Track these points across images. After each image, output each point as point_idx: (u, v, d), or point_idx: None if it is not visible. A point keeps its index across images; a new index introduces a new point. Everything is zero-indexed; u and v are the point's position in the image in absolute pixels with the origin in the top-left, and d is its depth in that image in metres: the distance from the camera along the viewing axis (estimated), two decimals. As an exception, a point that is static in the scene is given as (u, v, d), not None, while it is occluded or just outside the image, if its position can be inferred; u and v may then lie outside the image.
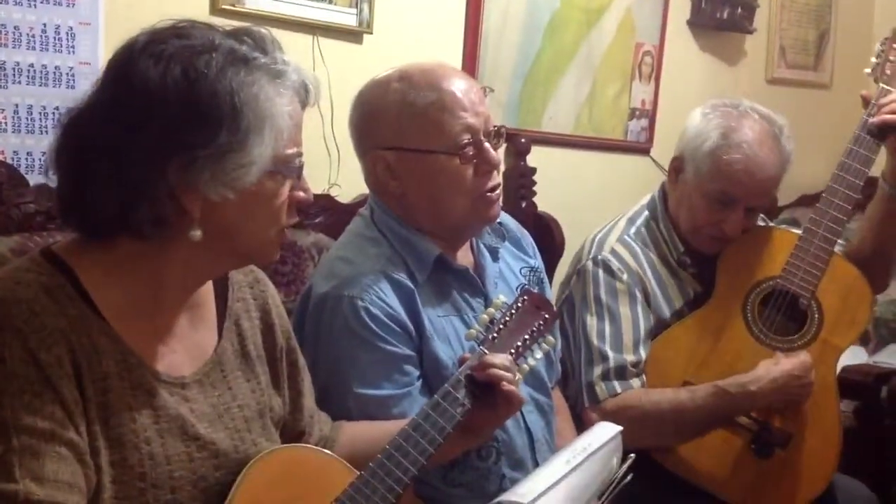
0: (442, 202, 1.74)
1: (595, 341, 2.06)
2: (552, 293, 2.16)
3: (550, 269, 2.40)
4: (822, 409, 2.08)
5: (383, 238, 1.76)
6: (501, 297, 1.59)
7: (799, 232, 2.15)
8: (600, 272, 2.11)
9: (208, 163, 1.19)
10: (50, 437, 1.14)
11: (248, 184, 1.23)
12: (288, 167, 1.28)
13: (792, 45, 3.71)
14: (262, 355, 1.43)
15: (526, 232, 2.03)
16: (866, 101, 2.13)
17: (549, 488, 1.35)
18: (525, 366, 1.56)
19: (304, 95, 1.30)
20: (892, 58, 2.16)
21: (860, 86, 2.31)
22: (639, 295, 2.11)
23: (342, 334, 1.66)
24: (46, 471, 1.13)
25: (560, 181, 2.89)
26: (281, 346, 1.46)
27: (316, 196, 2.18)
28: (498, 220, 1.86)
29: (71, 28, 1.95)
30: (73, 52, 1.95)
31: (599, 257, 2.13)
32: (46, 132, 1.91)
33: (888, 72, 2.16)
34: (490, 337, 1.53)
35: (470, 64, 2.68)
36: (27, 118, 1.91)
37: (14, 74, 1.89)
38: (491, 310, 1.56)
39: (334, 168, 2.34)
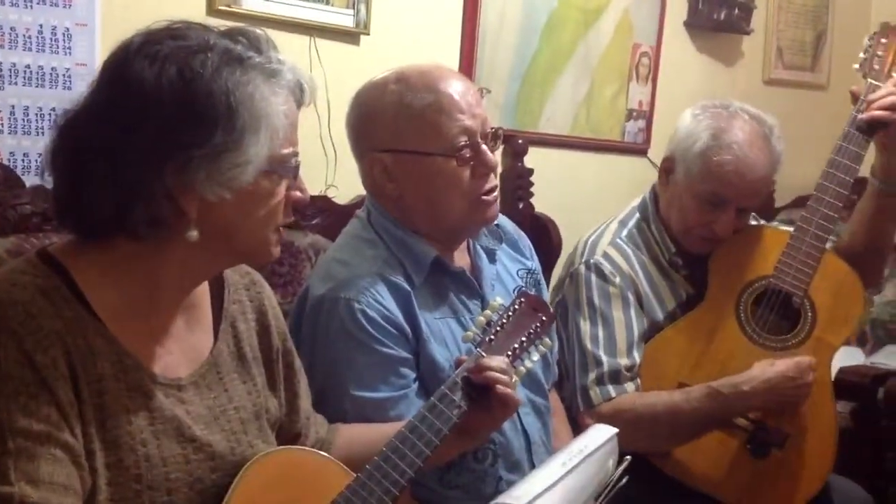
0: (439, 204, 1.73)
1: (589, 346, 2.06)
2: (549, 295, 2.16)
3: (547, 270, 2.40)
4: (818, 407, 2.08)
5: (380, 240, 1.76)
6: (498, 300, 1.59)
7: (790, 230, 2.15)
8: (592, 276, 2.11)
9: (204, 163, 1.19)
10: (45, 439, 1.14)
11: (244, 183, 1.23)
12: (284, 167, 1.28)
13: (789, 46, 3.71)
14: (258, 357, 1.43)
15: (523, 234, 2.03)
16: (855, 98, 2.14)
17: (545, 491, 1.35)
18: (522, 368, 1.56)
19: (300, 95, 1.30)
20: (880, 53, 2.16)
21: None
22: (631, 298, 2.11)
23: (339, 336, 1.66)
24: (41, 473, 1.12)
25: (557, 182, 2.89)
26: (277, 347, 1.46)
27: (313, 197, 2.19)
28: (495, 222, 1.86)
29: (67, 29, 1.94)
30: (70, 53, 1.95)
31: (591, 261, 2.13)
32: (43, 133, 1.91)
33: (876, 67, 2.16)
34: (487, 339, 1.53)
35: (467, 65, 2.68)
36: (23, 119, 1.91)
37: (10, 75, 1.89)
38: (488, 312, 1.56)
39: (331, 169, 2.34)
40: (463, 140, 1.70)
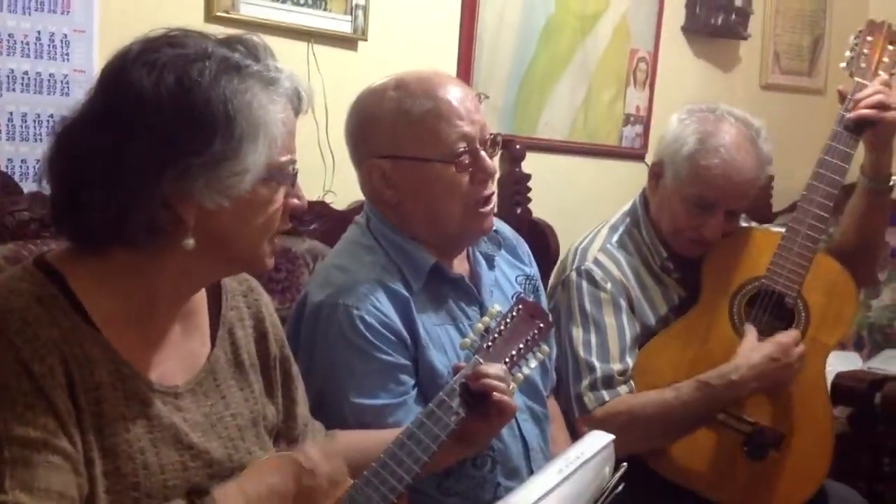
0: (437, 210, 1.74)
1: (581, 353, 2.06)
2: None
3: (545, 276, 2.40)
4: (814, 407, 2.09)
5: (379, 246, 1.76)
6: (496, 306, 1.59)
7: (781, 231, 2.16)
8: (584, 283, 2.11)
9: (202, 171, 1.19)
10: (42, 446, 1.14)
11: (242, 191, 1.23)
12: (282, 174, 1.28)
13: (786, 50, 3.72)
14: (255, 364, 1.43)
15: (522, 240, 2.03)
16: (842, 97, 2.14)
17: (542, 498, 1.35)
18: (519, 375, 1.56)
19: (298, 102, 1.30)
20: (866, 51, 2.17)
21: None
22: (623, 304, 2.11)
23: (337, 343, 1.66)
24: (37, 481, 1.12)
25: (555, 187, 2.89)
26: (274, 354, 1.46)
27: (311, 203, 2.18)
28: (494, 228, 1.86)
29: (65, 36, 1.95)
30: (68, 59, 1.95)
31: (582, 268, 2.13)
32: (41, 140, 1.91)
33: (863, 65, 2.16)
34: (485, 346, 1.54)
35: (465, 70, 2.68)
36: (21, 126, 1.91)
37: (8, 82, 1.89)
38: (486, 318, 1.56)
39: (329, 175, 2.34)
40: (462, 146, 1.70)
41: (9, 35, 1.88)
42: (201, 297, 1.38)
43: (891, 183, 2.17)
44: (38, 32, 1.91)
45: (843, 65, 2.20)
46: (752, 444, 2.04)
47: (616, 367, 2.05)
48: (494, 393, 1.47)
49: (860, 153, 2.16)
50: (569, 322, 2.09)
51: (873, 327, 3.30)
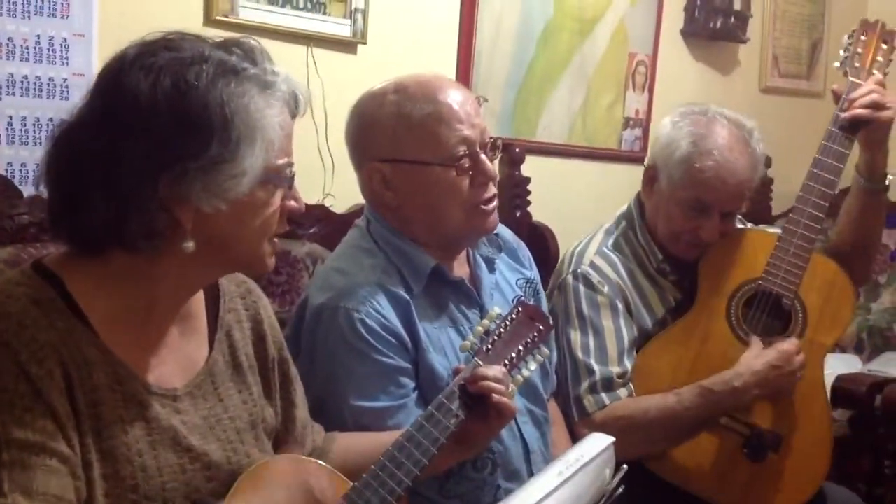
0: (438, 214, 1.74)
1: (580, 356, 2.06)
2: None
3: (545, 278, 2.41)
4: (812, 408, 2.08)
5: (379, 249, 1.76)
6: (496, 309, 1.59)
7: (777, 232, 2.16)
8: (581, 286, 2.11)
9: (200, 174, 1.19)
10: (40, 449, 1.14)
11: (239, 194, 1.23)
12: (279, 177, 1.28)
13: (785, 54, 3.72)
14: (253, 366, 1.43)
15: (522, 243, 2.03)
16: (837, 96, 2.14)
17: (541, 500, 1.35)
18: (519, 377, 1.56)
19: (295, 105, 1.30)
20: (859, 50, 2.17)
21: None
22: (620, 306, 2.11)
23: (338, 346, 1.66)
24: (36, 484, 1.12)
25: (554, 191, 2.89)
26: (273, 356, 1.46)
27: (310, 206, 2.19)
28: (494, 231, 1.86)
29: (65, 40, 1.95)
30: (67, 63, 1.95)
31: (579, 271, 2.13)
32: (40, 144, 1.92)
33: (857, 65, 2.17)
34: (484, 348, 1.54)
35: (464, 74, 2.68)
36: (21, 130, 1.92)
37: (8, 86, 1.89)
38: (485, 321, 1.56)
39: (328, 178, 2.34)
40: (462, 150, 1.70)
41: (8, 39, 1.88)
42: (199, 300, 1.38)
43: (886, 182, 2.17)
44: (38, 36, 1.91)
45: (837, 64, 2.20)
46: (751, 446, 2.04)
47: (615, 369, 2.05)
48: (494, 395, 1.47)
49: (855, 152, 2.17)
50: (566, 326, 2.09)
51: (873, 330, 3.30)
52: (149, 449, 1.24)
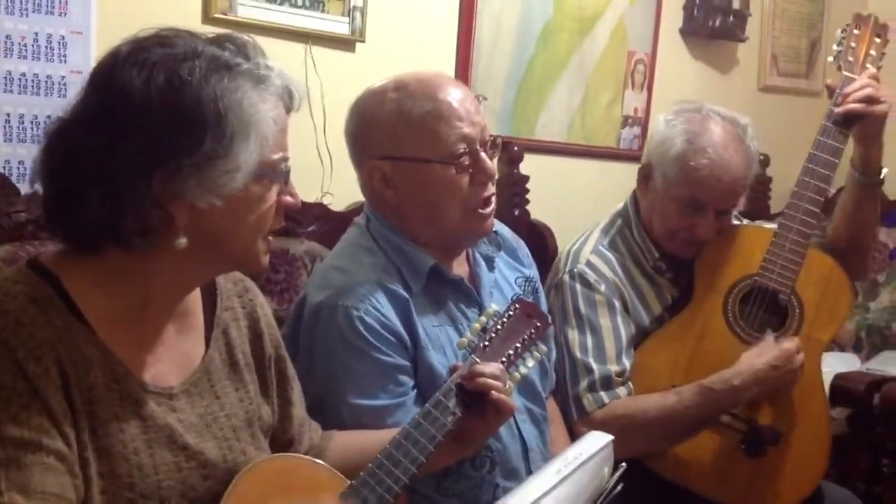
0: (437, 212, 1.73)
1: (578, 355, 2.06)
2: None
3: (544, 277, 2.40)
4: (810, 403, 2.08)
5: (378, 247, 1.76)
6: (494, 306, 1.59)
7: (773, 227, 2.16)
8: (577, 285, 2.11)
9: (194, 170, 1.19)
10: (37, 447, 1.13)
11: (234, 190, 1.22)
12: (274, 172, 1.28)
13: (784, 53, 3.72)
14: (250, 364, 1.42)
15: (522, 242, 2.03)
16: (831, 91, 2.14)
17: (540, 498, 1.35)
18: (517, 374, 1.56)
19: (289, 100, 1.30)
20: (853, 44, 2.17)
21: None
22: (617, 304, 2.11)
23: (337, 344, 1.66)
24: (33, 482, 1.12)
25: (553, 189, 2.89)
26: (269, 354, 1.46)
27: (309, 205, 2.19)
28: (493, 230, 1.86)
29: (63, 37, 1.95)
30: (65, 60, 1.95)
31: (575, 270, 2.13)
32: (38, 141, 1.90)
33: (850, 59, 2.16)
34: (481, 345, 1.54)
35: (463, 72, 2.68)
36: (19, 127, 1.91)
37: (6, 83, 1.89)
38: (483, 318, 1.56)
39: (327, 176, 2.34)
40: (462, 147, 1.70)
41: (6, 37, 1.88)
42: (196, 298, 1.37)
43: (881, 176, 2.17)
44: (36, 34, 1.91)
45: (831, 59, 2.20)
46: (750, 442, 2.04)
47: (613, 368, 2.05)
48: (492, 392, 1.47)
49: (850, 147, 2.16)
50: (564, 325, 2.09)
51: (872, 329, 3.30)
52: (145, 447, 1.23)
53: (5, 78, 1.89)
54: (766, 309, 2.11)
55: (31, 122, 1.93)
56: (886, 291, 3.34)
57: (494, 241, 1.91)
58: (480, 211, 1.75)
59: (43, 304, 1.19)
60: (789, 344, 2.03)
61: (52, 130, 1.24)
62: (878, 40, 2.18)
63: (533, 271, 1.99)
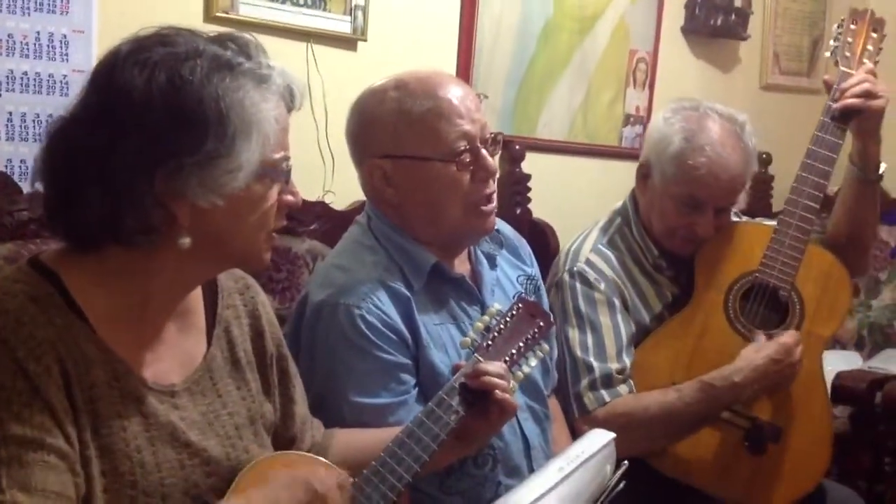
0: (439, 210, 1.74)
1: (579, 353, 2.06)
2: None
3: (546, 275, 2.41)
4: (811, 399, 2.08)
5: (380, 246, 1.76)
6: (496, 305, 1.59)
7: (773, 224, 2.16)
8: (577, 284, 2.11)
9: (195, 169, 1.19)
10: (38, 446, 1.13)
11: (236, 189, 1.22)
12: (276, 171, 1.28)
13: (786, 51, 3.72)
14: (252, 362, 1.43)
15: (524, 240, 2.03)
16: (828, 87, 2.14)
17: (542, 496, 1.35)
18: (519, 373, 1.56)
19: (290, 99, 1.30)
20: (850, 40, 2.17)
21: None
22: (617, 303, 2.11)
23: (338, 342, 1.66)
24: (34, 480, 1.12)
25: (555, 188, 2.89)
26: (271, 352, 1.46)
27: (311, 203, 2.19)
28: (496, 228, 1.86)
29: (64, 36, 1.95)
30: (67, 59, 1.95)
31: (575, 269, 2.13)
32: (40, 140, 1.91)
33: (847, 54, 2.16)
34: (484, 344, 1.54)
35: (464, 71, 2.68)
36: (21, 126, 1.92)
37: (8, 82, 1.89)
38: (485, 317, 1.56)
39: (329, 175, 2.34)
40: (462, 145, 1.70)
41: (8, 35, 1.88)
42: (197, 296, 1.37)
43: (880, 172, 2.17)
44: (38, 33, 1.91)
45: (828, 54, 2.20)
46: (752, 439, 2.04)
47: (614, 366, 2.05)
48: (495, 391, 1.47)
49: (849, 143, 2.16)
50: (564, 324, 2.09)
51: (874, 327, 3.30)
52: (147, 445, 1.23)
53: (7, 77, 1.89)
54: (766, 305, 2.11)
55: (33, 121, 1.93)
56: (888, 289, 3.34)
57: (496, 239, 1.91)
58: (482, 208, 1.75)
59: (43, 302, 1.19)
60: (788, 338, 2.03)
61: (53, 129, 1.24)
62: (874, 35, 2.18)
63: (535, 270, 1.99)
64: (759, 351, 2.01)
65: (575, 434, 1.98)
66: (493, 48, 2.76)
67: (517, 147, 2.61)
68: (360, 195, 1.87)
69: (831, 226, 2.26)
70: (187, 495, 1.26)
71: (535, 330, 1.59)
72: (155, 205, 1.19)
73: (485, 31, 2.73)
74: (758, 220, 2.42)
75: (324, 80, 2.30)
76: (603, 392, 2.04)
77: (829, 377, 2.31)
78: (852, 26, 2.18)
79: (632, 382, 2.06)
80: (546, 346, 1.62)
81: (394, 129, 1.71)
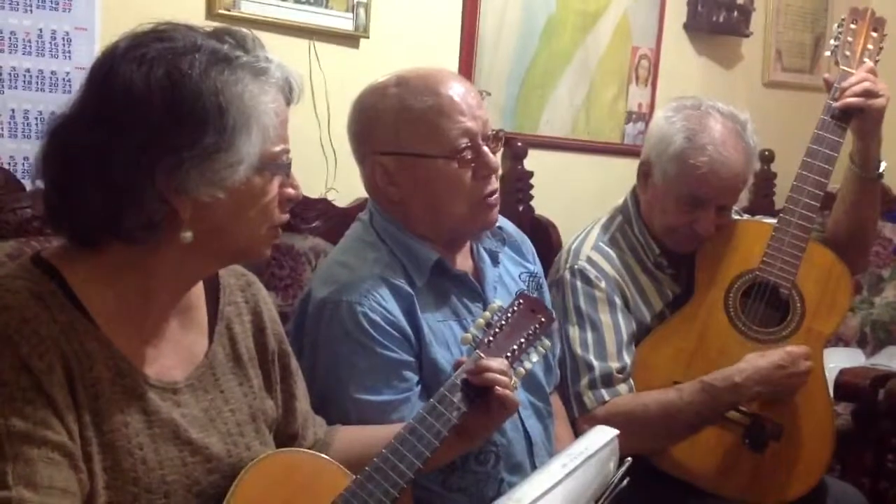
0: (441, 207, 1.74)
1: (579, 351, 2.06)
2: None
3: (548, 272, 2.40)
4: (813, 397, 2.08)
5: (382, 243, 1.76)
6: (498, 302, 1.59)
7: (773, 222, 2.15)
8: (578, 282, 2.11)
9: (196, 164, 1.19)
10: (42, 442, 1.13)
11: (236, 183, 1.22)
12: (276, 164, 1.28)
13: (788, 48, 3.72)
14: (254, 358, 1.43)
15: (526, 238, 2.03)
16: (828, 86, 2.14)
17: (546, 493, 1.35)
18: (521, 369, 1.56)
19: (289, 92, 1.30)
20: (850, 39, 2.16)
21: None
22: (618, 301, 2.11)
23: (341, 340, 1.66)
24: (40, 477, 1.12)
25: (557, 185, 2.89)
26: (273, 349, 1.46)
27: (313, 200, 2.20)
28: (498, 225, 1.86)
29: (67, 33, 1.95)
30: (70, 57, 1.95)
31: (576, 267, 2.12)
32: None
33: (847, 53, 2.16)
34: (486, 341, 1.54)
35: (466, 68, 2.68)
36: (23, 123, 1.92)
37: (10, 79, 1.89)
38: (487, 313, 1.56)
39: (331, 172, 2.34)
40: (464, 142, 1.70)
41: (11, 32, 1.88)
42: (199, 293, 1.37)
43: (880, 170, 2.17)
44: (40, 30, 1.92)
45: (828, 53, 2.19)
46: (752, 436, 2.04)
47: (614, 364, 2.05)
48: (497, 387, 1.47)
49: (849, 141, 2.16)
50: (565, 322, 2.09)
51: (876, 324, 3.30)
52: (149, 442, 1.23)
53: (10, 74, 1.89)
54: (767, 303, 2.11)
55: (36, 119, 1.93)
56: (891, 287, 3.33)
57: (498, 236, 1.91)
58: (486, 200, 1.74)
59: (47, 299, 1.19)
60: (796, 347, 2.02)
61: (53, 127, 1.24)
62: (875, 34, 2.18)
63: (537, 267, 1.99)
64: (764, 355, 2.01)
65: (576, 433, 1.98)
66: (495, 45, 2.76)
67: (519, 144, 2.61)
68: (362, 192, 1.87)
69: (832, 224, 2.26)
70: (189, 492, 1.26)
71: (536, 326, 1.59)
72: (156, 200, 1.19)
73: (487, 28, 2.73)
74: (758, 217, 2.42)
75: (326, 78, 2.30)
76: (603, 391, 2.04)
77: (831, 374, 2.31)
78: (853, 25, 2.18)
79: (632, 381, 2.06)
80: (547, 343, 1.62)
81: (395, 126, 1.71)
